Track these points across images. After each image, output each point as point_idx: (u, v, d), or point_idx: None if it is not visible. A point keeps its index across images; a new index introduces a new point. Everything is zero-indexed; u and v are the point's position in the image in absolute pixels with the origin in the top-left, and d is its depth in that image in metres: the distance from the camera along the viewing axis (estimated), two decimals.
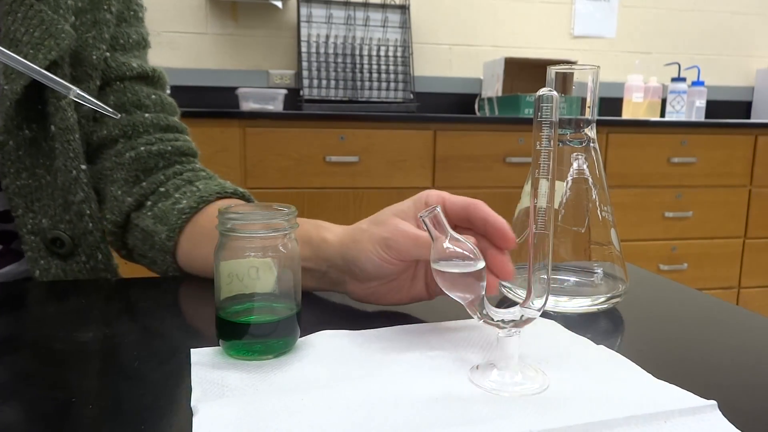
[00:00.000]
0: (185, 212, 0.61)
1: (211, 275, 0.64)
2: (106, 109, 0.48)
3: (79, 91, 0.47)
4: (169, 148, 0.67)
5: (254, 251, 0.39)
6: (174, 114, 0.71)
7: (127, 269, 0.72)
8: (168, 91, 0.72)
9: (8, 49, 0.53)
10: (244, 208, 0.41)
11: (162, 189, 0.64)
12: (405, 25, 2.55)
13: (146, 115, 0.67)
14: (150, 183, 0.65)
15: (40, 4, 0.58)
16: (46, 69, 0.56)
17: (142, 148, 0.65)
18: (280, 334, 0.39)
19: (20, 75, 0.57)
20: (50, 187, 0.61)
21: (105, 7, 0.64)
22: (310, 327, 0.44)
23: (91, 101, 0.48)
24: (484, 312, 0.35)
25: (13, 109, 0.58)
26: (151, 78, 0.69)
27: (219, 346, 0.40)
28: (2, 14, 0.57)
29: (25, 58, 0.54)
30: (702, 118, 2.60)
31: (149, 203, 0.64)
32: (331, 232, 0.50)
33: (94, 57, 0.63)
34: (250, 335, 0.39)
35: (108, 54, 0.65)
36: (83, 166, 0.62)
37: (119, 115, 0.48)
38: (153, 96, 0.68)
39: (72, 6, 0.61)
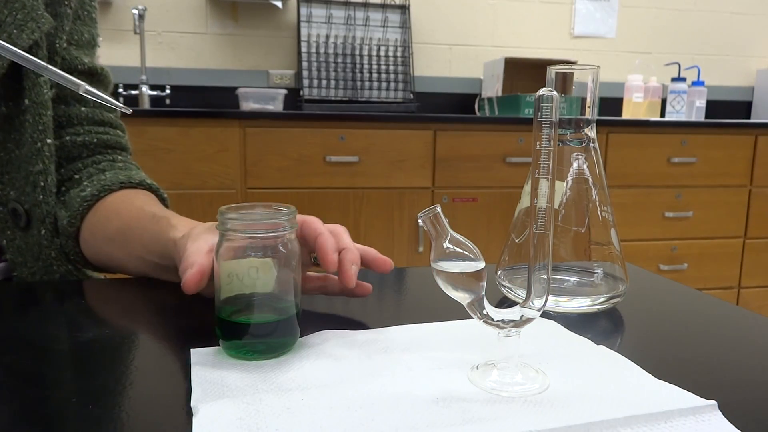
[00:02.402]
0: (87, 200, 0.64)
1: (106, 268, 0.65)
2: (117, 105, 0.50)
3: (88, 87, 0.48)
4: (95, 140, 0.70)
5: (254, 251, 0.39)
6: (111, 111, 0.74)
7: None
8: (110, 91, 0.75)
9: None
10: (244, 208, 0.41)
11: (76, 176, 0.68)
12: (405, 25, 2.55)
13: (83, 108, 0.70)
14: (67, 170, 0.68)
15: None
16: (29, 48, 0.60)
17: (68, 138, 0.68)
18: (280, 334, 0.39)
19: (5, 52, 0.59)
20: (18, 160, 0.64)
21: (66, 2, 0.67)
22: (310, 327, 0.44)
23: (101, 96, 0.49)
24: (484, 312, 0.35)
25: None
26: (97, 76, 0.72)
27: (219, 346, 0.40)
28: None
29: (9, 37, 0.59)
30: (702, 118, 2.60)
31: (63, 189, 0.68)
32: (176, 231, 0.51)
33: (57, 45, 0.66)
34: (250, 335, 0.39)
35: (65, 46, 0.68)
36: (49, 140, 0.64)
37: (131, 110, 0.49)
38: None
39: None
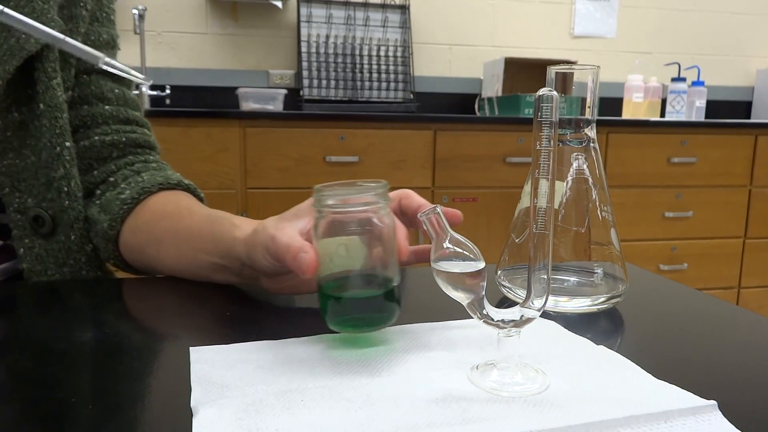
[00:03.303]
0: (127, 202, 0.64)
1: (150, 270, 0.65)
2: (137, 76, 0.48)
3: (107, 59, 0.46)
4: (124, 139, 0.69)
5: (351, 226, 0.39)
6: (136, 109, 0.73)
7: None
8: (133, 89, 0.74)
9: (0, 34, 0.57)
10: (337, 187, 0.41)
11: (111, 179, 0.67)
12: (405, 25, 2.55)
13: (106, 107, 0.69)
14: (101, 172, 0.68)
15: None
16: (38, 52, 0.60)
17: (96, 138, 0.68)
18: (380, 307, 0.40)
19: (12, 56, 0.58)
20: (35, 167, 0.63)
21: (81, 4, 0.67)
22: (309, 327, 0.44)
23: (120, 68, 0.48)
24: (484, 312, 0.35)
25: (3, 90, 0.60)
26: (116, 74, 0.70)
27: (218, 345, 0.40)
28: None
29: (17, 41, 0.58)
30: (702, 118, 2.60)
31: (98, 192, 0.67)
32: (241, 230, 0.51)
33: None
34: (352, 309, 0.40)
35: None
36: (68, 143, 0.64)
37: (150, 81, 0.48)
38: (116, 90, 0.70)
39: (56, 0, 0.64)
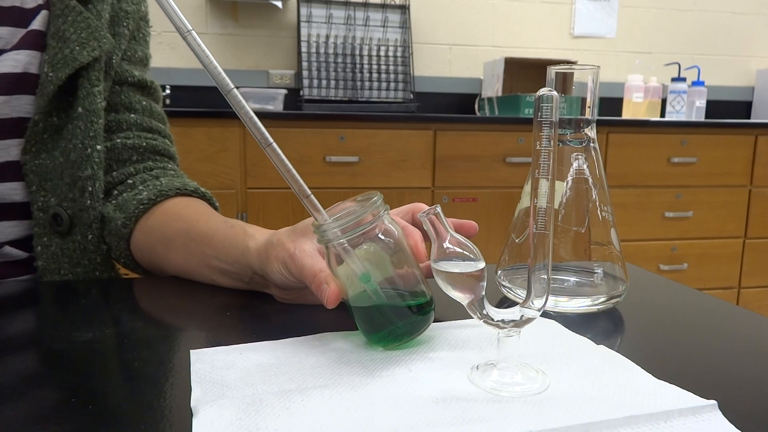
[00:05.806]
0: (143, 203, 0.66)
1: (158, 270, 0.66)
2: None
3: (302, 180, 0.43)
4: (144, 144, 0.72)
5: (358, 248, 0.39)
6: (161, 122, 0.76)
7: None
8: (161, 105, 0.77)
9: (56, 45, 0.62)
10: (332, 213, 0.41)
11: (130, 181, 0.70)
12: (405, 25, 2.55)
13: (132, 115, 0.72)
14: (120, 173, 0.70)
15: (87, 13, 0.65)
16: (88, 64, 0.64)
17: (118, 141, 0.70)
18: (413, 316, 0.40)
19: (66, 65, 0.62)
20: (61, 167, 0.65)
21: (124, 24, 0.71)
22: (309, 327, 0.44)
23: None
24: (484, 312, 0.35)
25: (52, 94, 0.63)
26: (147, 88, 0.75)
27: (218, 346, 0.40)
28: (54, 17, 0.64)
29: (71, 52, 0.63)
30: (702, 118, 2.60)
31: (116, 192, 0.69)
32: (254, 240, 0.51)
33: (114, 61, 0.70)
34: (386, 322, 0.40)
35: (119, 61, 0.71)
36: (99, 147, 0.66)
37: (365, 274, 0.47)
38: (143, 102, 0.73)
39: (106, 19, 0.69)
